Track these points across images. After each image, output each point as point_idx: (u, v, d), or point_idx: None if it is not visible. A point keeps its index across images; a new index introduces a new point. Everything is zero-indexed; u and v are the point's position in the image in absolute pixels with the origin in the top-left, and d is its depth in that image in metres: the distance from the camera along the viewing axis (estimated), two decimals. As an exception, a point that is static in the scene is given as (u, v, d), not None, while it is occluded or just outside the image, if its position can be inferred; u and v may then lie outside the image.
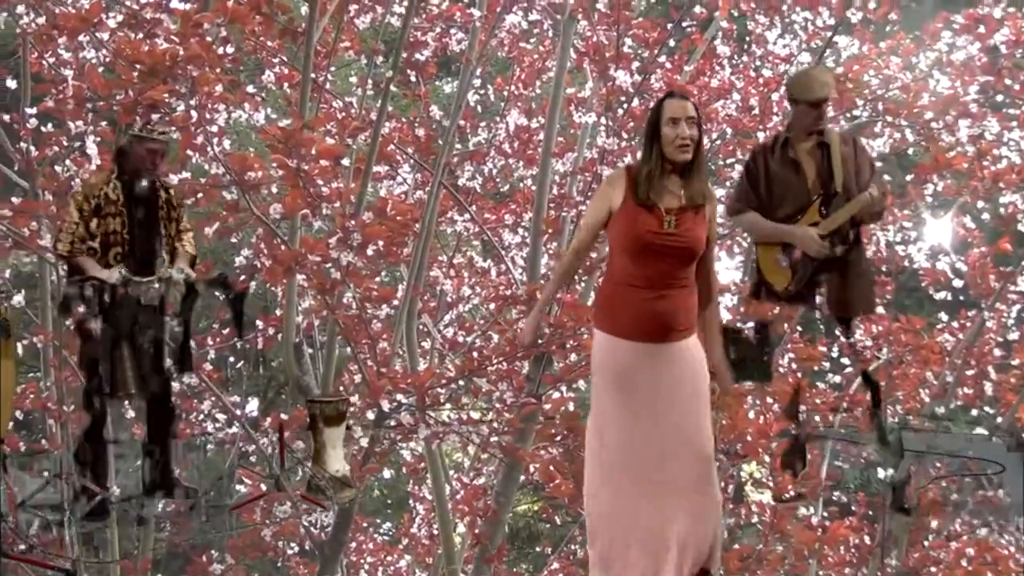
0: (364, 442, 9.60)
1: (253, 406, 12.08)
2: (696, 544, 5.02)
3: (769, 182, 6.24)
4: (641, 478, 5.02)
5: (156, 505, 6.81)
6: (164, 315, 6.44)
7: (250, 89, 9.56)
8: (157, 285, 6.38)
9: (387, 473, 13.32)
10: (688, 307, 5.03)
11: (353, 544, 12.74)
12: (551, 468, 10.02)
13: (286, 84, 11.05)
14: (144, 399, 6.71)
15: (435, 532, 12.27)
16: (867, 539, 11.02)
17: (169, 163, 9.03)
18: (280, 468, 7.14)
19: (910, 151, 11.69)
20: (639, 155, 5.17)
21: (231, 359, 12.76)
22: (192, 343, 6.85)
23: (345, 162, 9.58)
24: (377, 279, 10.91)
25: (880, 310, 11.37)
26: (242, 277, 10.56)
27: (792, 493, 8.24)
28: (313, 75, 10.04)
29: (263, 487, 8.49)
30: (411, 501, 13.90)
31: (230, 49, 8.79)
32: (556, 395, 10.20)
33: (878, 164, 6.25)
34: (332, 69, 11.60)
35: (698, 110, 5.04)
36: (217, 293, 7.04)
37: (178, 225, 6.76)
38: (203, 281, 6.73)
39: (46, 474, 7.15)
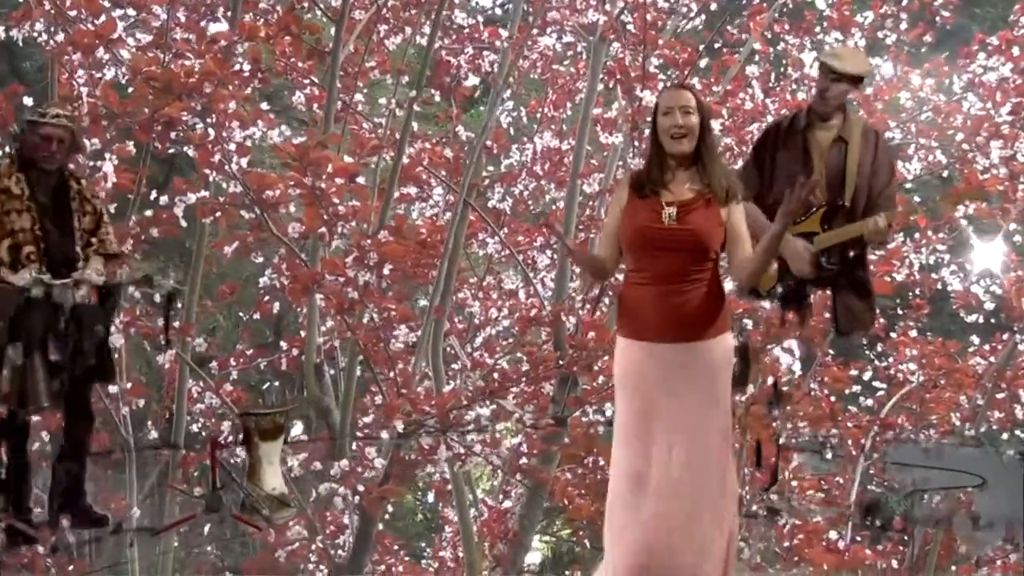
0: (378, 463, 9.49)
1: (298, 430, 12.03)
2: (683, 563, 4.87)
3: (774, 168, 5.95)
4: (649, 491, 4.77)
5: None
6: (82, 320, 5.94)
7: (264, 106, 9.53)
8: (72, 288, 5.90)
9: (431, 496, 13.21)
10: (705, 304, 4.77)
11: (382, 567, 12.64)
12: (569, 489, 9.93)
13: (316, 105, 11.09)
14: (58, 412, 6.20)
15: (460, 555, 12.18)
16: (894, 563, 10.82)
17: (189, 182, 9.06)
18: (212, 487, 6.80)
19: (944, 173, 11.51)
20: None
21: (272, 382, 12.82)
22: (115, 350, 6.64)
23: (361, 180, 9.52)
24: (407, 301, 10.85)
25: (913, 333, 11.20)
26: (266, 298, 10.58)
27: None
28: (342, 96, 10.04)
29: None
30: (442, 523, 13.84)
31: (247, 67, 8.77)
32: (583, 418, 10.08)
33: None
34: (365, 91, 11.63)
35: (699, 100, 4.81)
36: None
37: (94, 221, 6.23)
38: (126, 283, 6.45)
39: None
